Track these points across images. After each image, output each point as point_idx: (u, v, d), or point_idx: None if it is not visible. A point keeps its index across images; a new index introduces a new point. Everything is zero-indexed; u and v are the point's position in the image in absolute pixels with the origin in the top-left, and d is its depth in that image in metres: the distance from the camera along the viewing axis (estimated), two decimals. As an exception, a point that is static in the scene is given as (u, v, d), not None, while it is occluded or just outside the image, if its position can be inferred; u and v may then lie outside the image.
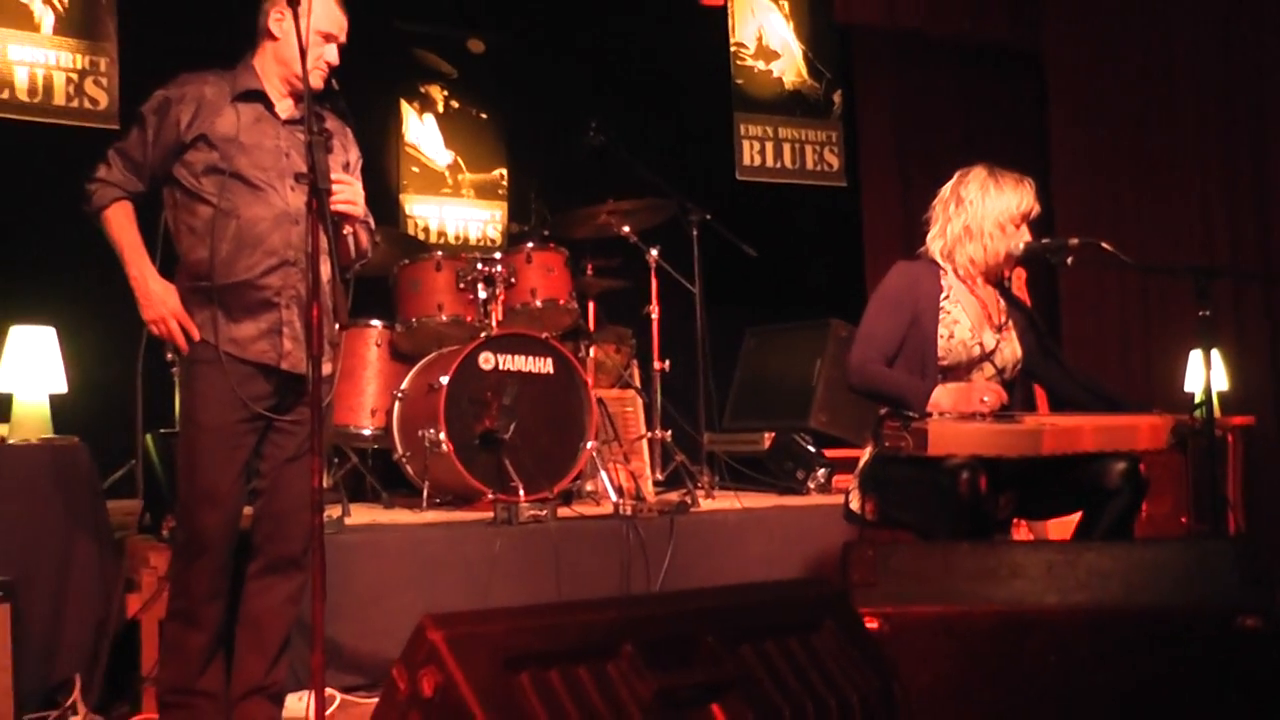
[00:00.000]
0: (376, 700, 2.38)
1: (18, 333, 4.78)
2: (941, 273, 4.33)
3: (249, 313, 3.70)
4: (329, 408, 3.91)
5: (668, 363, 6.69)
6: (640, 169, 6.50)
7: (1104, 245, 4.24)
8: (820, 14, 8.84)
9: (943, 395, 4.04)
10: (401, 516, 5.36)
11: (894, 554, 3.37)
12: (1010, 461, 3.96)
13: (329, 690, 4.10)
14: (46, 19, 6.39)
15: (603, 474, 5.72)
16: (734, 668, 2.52)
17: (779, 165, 8.73)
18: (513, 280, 5.97)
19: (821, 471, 6.44)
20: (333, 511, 4.88)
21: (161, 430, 4.68)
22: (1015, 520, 4.68)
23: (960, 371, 4.26)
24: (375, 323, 6.08)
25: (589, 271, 6.84)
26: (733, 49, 8.62)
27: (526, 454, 5.42)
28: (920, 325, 4.22)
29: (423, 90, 7.96)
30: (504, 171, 8.12)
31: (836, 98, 8.97)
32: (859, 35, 8.93)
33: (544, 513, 5.06)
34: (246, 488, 3.81)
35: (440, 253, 6.15)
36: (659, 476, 6.50)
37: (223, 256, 3.66)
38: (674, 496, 5.71)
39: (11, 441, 4.44)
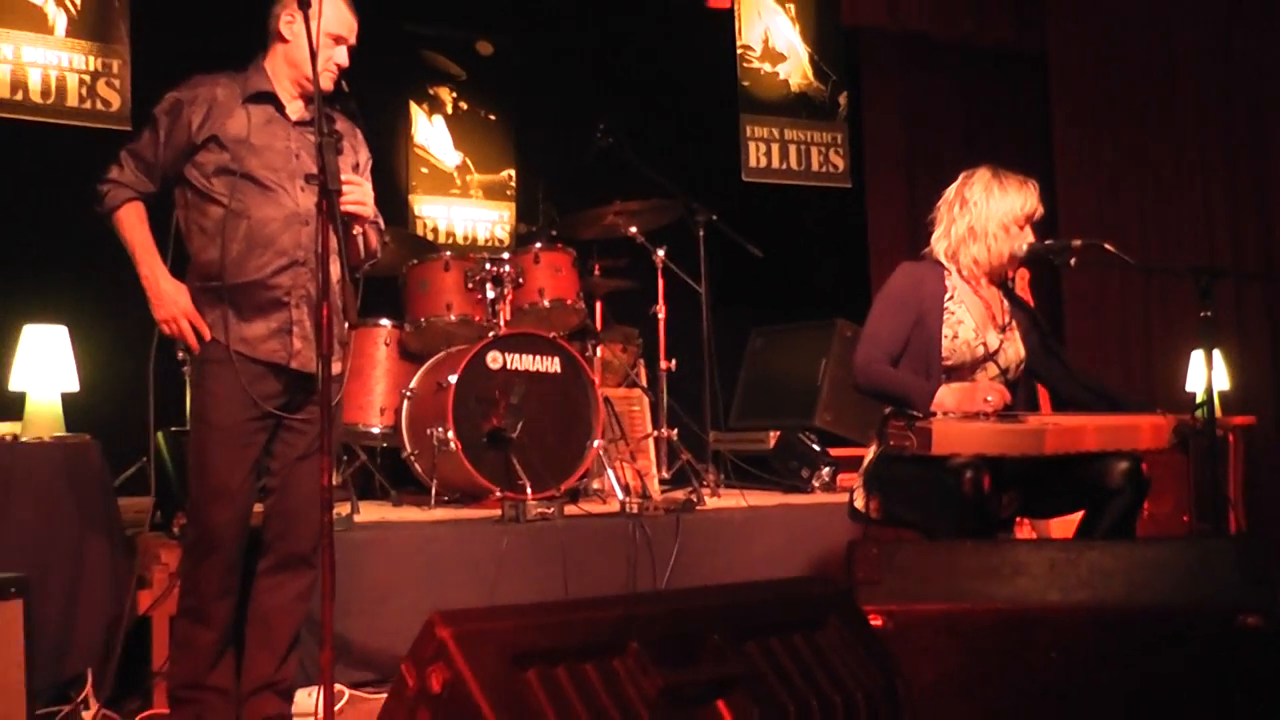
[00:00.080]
0: (385, 696, 2.38)
1: (31, 331, 4.78)
2: (946, 273, 4.32)
3: (259, 312, 3.70)
4: (338, 406, 3.92)
5: (674, 362, 6.69)
6: (647, 170, 6.50)
7: (1107, 246, 4.24)
8: (826, 16, 8.83)
9: (947, 395, 4.04)
10: (410, 514, 5.37)
11: (898, 552, 3.37)
12: (1013, 461, 3.96)
13: (338, 686, 4.10)
14: (59, 21, 6.40)
15: (609, 472, 5.72)
16: (740, 665, 2.52)
17: (785, 166, 8.73)
18: (521, 280, 5.97)
19: (826, 470, 6.43)
20: (342, 509, 4.88)
21: (173, 428, 4.68)
22: (1018, 519, 4.68)
23: (964, 371, 4.26)
24: (384, 322, 6.09)
25: (596, 271, 6.84)
26: (739, 51, 8.62)
27: (534, 452, 5.42)
28: (925, 325, 4.22)
29: (432, 92, 7.96)
30: (512, 172, 8.11)
31: (842, 100, 8.97)
32: (864, 37, 8.92)
33: (551, 511, 5.07)
34: (257, 485, 3.81)
35: (449, 253, 6.15)
36: (665, 475, 6.50)
37: (233, 256, 3.66)
38: (680, 495, 5.71)
39: (24, 439, 4.44)
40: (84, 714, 3.99)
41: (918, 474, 4.00)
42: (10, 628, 3.47)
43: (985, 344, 4.25)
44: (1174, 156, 8.20)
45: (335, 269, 3.50)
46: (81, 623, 4.20)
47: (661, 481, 6.40)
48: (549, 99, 7.90)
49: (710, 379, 6.53)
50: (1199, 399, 4.23)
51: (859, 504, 4.34)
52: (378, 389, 6.01)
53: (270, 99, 3.77)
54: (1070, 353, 6.29)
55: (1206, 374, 4.22)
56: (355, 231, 3.79)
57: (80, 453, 4.39)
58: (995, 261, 4.29)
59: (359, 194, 3.71)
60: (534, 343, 5.68)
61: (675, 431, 6.48)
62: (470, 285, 5.94)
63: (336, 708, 3.54)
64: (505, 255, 6.04)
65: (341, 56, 3.78)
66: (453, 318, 5.91)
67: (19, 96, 6.30)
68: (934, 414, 3.96)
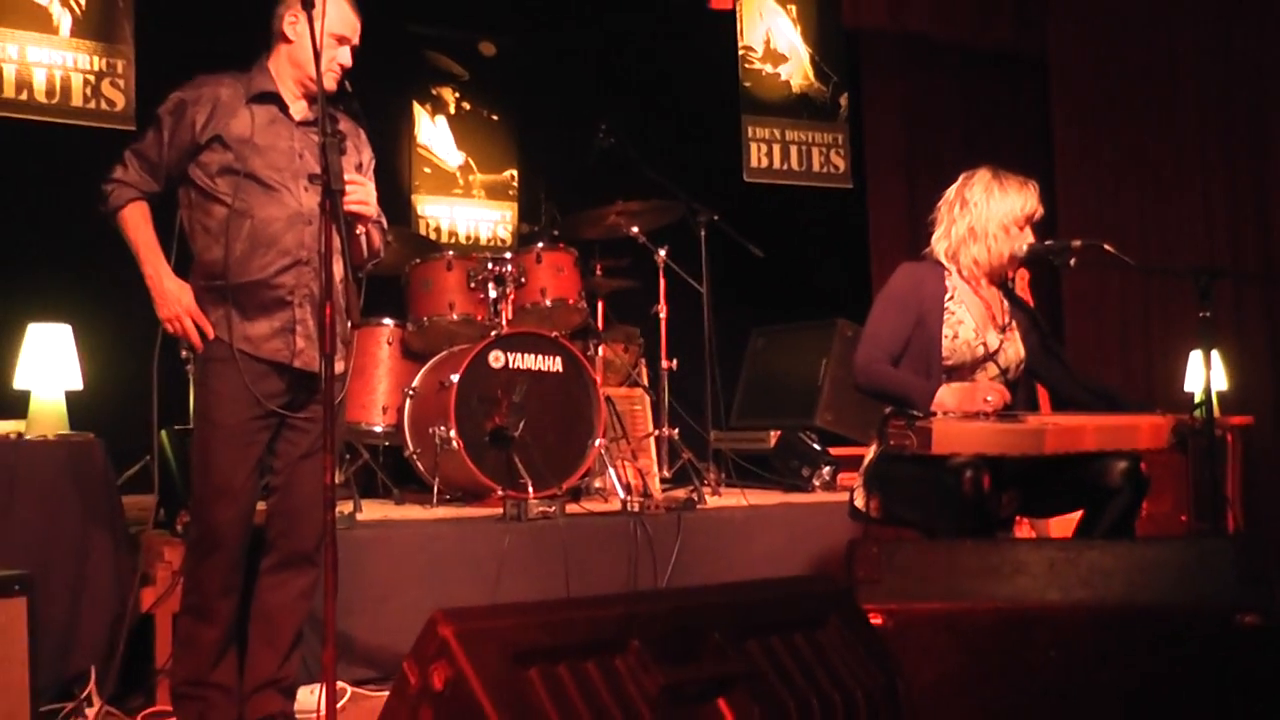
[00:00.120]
0: (387, 694, 2.38)
1: (35, 330, 4.78)
2: (946, 274, 4.32)
3: (263, 311, 3.70)
4: (341, 405, 3.92)
5: (675, 361, 6.69)
6: (649, 170, 6.50)
7: (1106, 247, 4.24)
8: (827, 18, 8.83)
9: (947, 395, 4.04)
10: (412, 513, 5.37)
11: (898, 551, 3.37)
12: (1013, 460, 3.96)
13: (340, 683, 4.10)
14: (64, 21, 6.40)
15: (611, 471, 5.72)
16: (740, 663, 2.52)
17: (786, 167, 8.72)
18: (523, 280, 5.96)
19: (827, 469, 6.43)
20: (344, 507, 4.88)
21: (176, 427, 4.68)
22: (1017, 518, 4.68)
23: (964, 371, 4.26)
24: (387, 321, 6.09)
25: (598, 271, 6.84)
26: (741, 52, 8.62)
27: (536, 451, 5.42)
28: (925, 325, 4.22)
29: (435, 92, 7.96)
30: (514, 172, 8.11)
31: (843, 101, 8.97)
32: (865, 39, 8.92)
33: (553, 509, 5.07)
34: (260, 484, 3.82)
35: (451, 252, 6.14)
36: (666, 474, 6.50)
37: (237, 256, 3.66)
38: (681, 494, 5.71)
39: (29, 438, 4.44)
40: (87, 711, 3.99)
41: (918, 473, 4.00)
42: (14, 625, 3.47)
43: (985, 344, 4.25)
44: (1173, 157, 8.21)
45: (338, 268, 3.50)
46: (85, 620, 4.21)
47: (663, 480, 6.40)
48: (551, 99, 7.90)
49: (711, 378, 6.52)
50: (1198, 399, 4.24)
51: (859, 503, 4.34)
52: (380, 388, 6.01)
53: (274, 99, 3.77)
54: (1070, 353, 6.29)
55: (1205, 374, 4.22)
56: (358, 231, 3.80)
57: (84, 451, 4.39)
58: (995, 262, 4.29)
59: (362, 194, 3.71)
60: (536, 342, 5.67)
61: (676, 431, 6.48)
62: (472, 285, 5.93)
63: (339, 705, 3.53)
64: (507, 255, 6.03)
65: (345, 57, 3.79)
66: (455, 317, 5.91)
67: (24, 96, 6.30)
68: (934, 414, 3.96)
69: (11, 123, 6.25)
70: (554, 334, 5.76)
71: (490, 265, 5.93)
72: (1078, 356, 7.41)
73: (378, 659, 4.50)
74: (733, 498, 5.94)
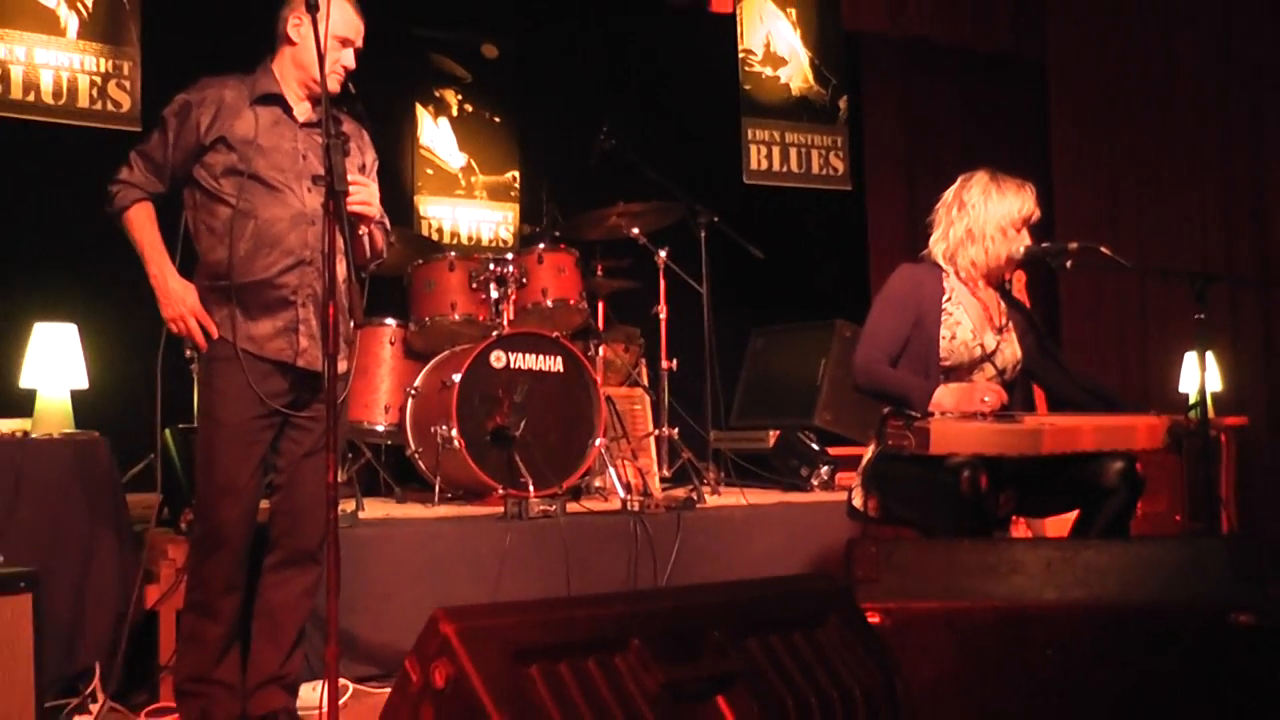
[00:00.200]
0: (389, 691, 2.38)
1: (41, 330, 4.79)
2: (944, 275, 4.32)
3: (266, 311, 3.70)
4: (344, 404, 3.91)
5: (675, 362, 6.69)
6: (649, 172, 6.50)
7: (1103, 249, 4.23)
8: (827, 21, 8.83)
9: (945, 395, 4.04)
10: (414, 511, 5.36)
11: (896, 550, 3.37)
12: (1010, 460, 3.96)
13: (342, 680, 4.10)
14: (71, 23, 6.40)
15: (611, 470, 5.72)
16: (740, 661, 2.52)
17: (785, 169, 8.72)
18: (524, 280, 5.96)
19: (825, 469, 6.42)
20: (347, 506, 4.88)
21: (180, 425, 4.69)
22: (1014, 518, 4.68)
23: (962, 372, 4.26)
24: (390, 321, 6.08)
25: (599, 272, 6.84)
26: (741, 55, 8.61)
27: (537, 450, 5.41)
28: (923, 326, 4.22)
29: (437, 94, 7.95)
30: (516, 174, 8.11)
31: (842, 104, 8.96)
32: (865, 42, 8.92)
33: (553, 508, 5.06)
34: (264, 482, 3.82)
35: (453, 253, 6.13)
36: (666, 473, 6.49)
37: (241, 256, 3.66)
38: (681, 493, 5.71)
39: (34, 436, 4.44)
40: (92, 707, 3.99)
41: (916, 473, 4.00)
42: (20, 622, 3.47)
43: (983, 345, 4.25)
44: (1171, 159, 8.21)
45: (341, 268, 3.50)
46: (90, 617, 4.21)
47: (662, 480, 6.40)
48: (553, 101, 7.90)
49: (711, 378, 6.52)
50: (1193, 400, 4.23)
51: (858, 502, 4.34)
52: (383, 387, 6.00)
53: (278, 100, 3.78)
54: (1066, 354, 6.26)
55: (1200, 375, 4.22)
56: (361, 231, 3.79)
57: (89, 449, 4.39)
58: (993, 263, 4.29)
59: (365, 194, 3.71)
60: (537, 342, 5.67)
61: (676, 430, 6.48)
62: (474, 285, 5.93)
63: (341, 702, 3.53)
64: (509, 255, 6.03)
65: (348, 59, 3.79)
66: (457, 317, 5.90)
67: (31, 97, 6.30)
68: (932, 414, 3.96)
69: (19, 123, 6.24)
70: (555, 334, 5.76)
71: (492, 266, 5.93)
72: (1074, 358, 7.38)
73: (380, 656, 4.50)
74: (732, 497, 5.94)
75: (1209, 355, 4.36)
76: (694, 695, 2.44)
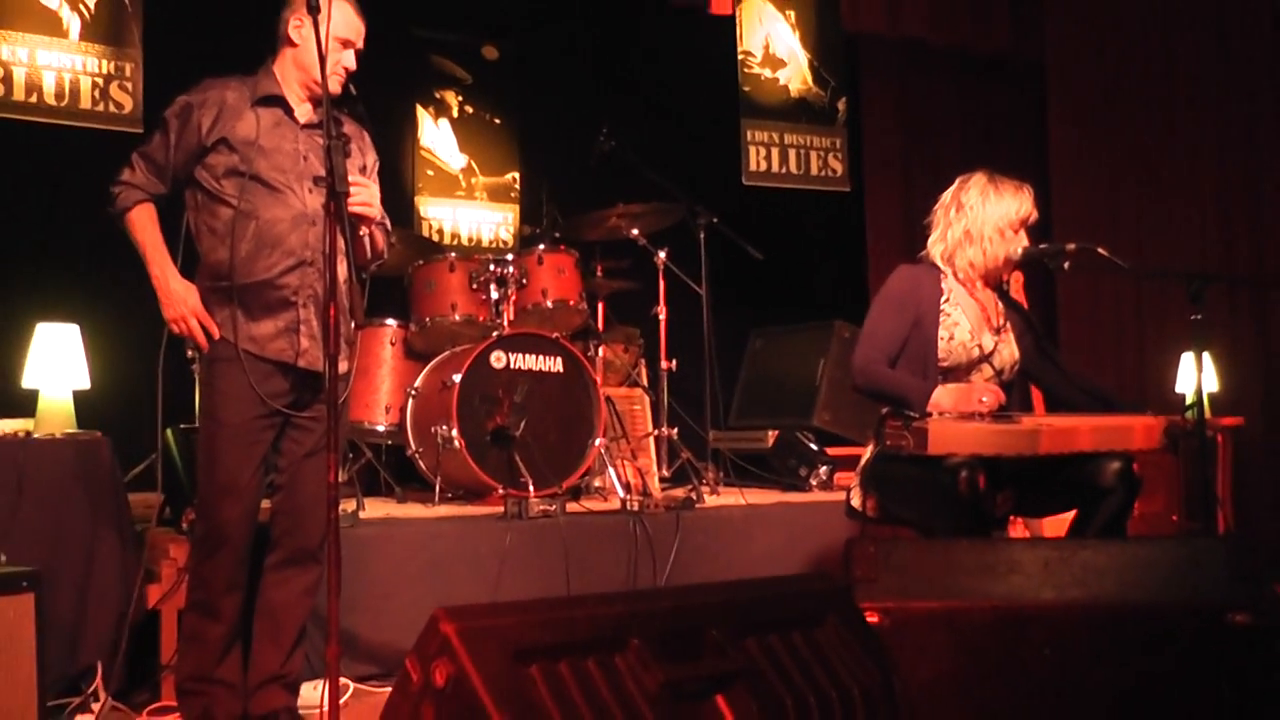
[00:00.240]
0: (389, 690, 2.38)
1: (43, 330, 4.79)
2: (942, 276, 4.32)
3: (267, 311, 3.70)
4: (344, 404, 3.91)
5: (675, 362, 6.69)
6: (649, 173, 6.50)
7: (1100, 251, 4.23)
8: (826, 23, 8.83)
9: (943, 395, 4.04)
10: (414, 511, 5.36)
11: (895, 550, 3.37)
12: (1008, 460, 3.96)
13: (343, 680, 4.10)
14: (74, 25, 6.39)
15: (611, 470, 5.72)
16: (739, 660, 2.51)
17: (784, 170, 8.72)
18: (524, 281, 5.96)
19: (824, 469, 6.42)
20: (347, 506, 4.88)
21: (181, 425, 4.69)
22: (1012, 518, 4.67)
23: (960, 372, 4.26)
24: (390, 321, 6.08)
25: (599, 273, 6.84)
26: (740, 57, 8.61)
27: (536, 450, 5.41)
28: (921, 327, 4.22)
29: (438, 95, 7.95)
30: (516, 175, 8.11)
31: (841, 105, 8.96)
32: (864, 44, 8.92)
33: (553, 508, 5.06)
34: (265, 482, 3.82)
35: (454, 254, 6.13)
36: (665, 473, 6.50)
37: (242, 256, 3.66)
38: (680, 493, 5.70)
39: (37, 436, 4.44)
40: (94, 705, 3.99)
41: (914, 473, 4.00)
42: (22, 621, 3.47)
43: (981, 345, 4.25)
44: (1168, 161, 8.20)
45: (342, 269, 3.50)
46: (92, 616, 4.21)
47: (662, 479, 6.40)
48: (553, 103, 7.90)
49: (710, 379, 6.52)
50: (1189, 400, 4.23)
51: (856, 502, 4.34)
52: (383, 387, 6.00)
53: (279, 102, 3.78)
54: (1064, 355, 6.27)
55: (1197, 376, 4.22)
56: (362, 232, 3.79)
57: (91, 449, 4.39)
58: (991, 265, 4.29)
59: (366, 195, 3.71)
60: (537, 343, 5.67)
61: (675, 430, 6.48)
62: (475, 286, 5.93)
63: (341, 701, 3.53)
64: (509, 256, 6.03)
65: (349, 60, 3.79)
66: (457, 318, 5.91)
67: (33, 99, 6.30)
68: (930, 414, 3.96)
69: (21, 125, 6.24)
70: (555, 335, 5.76)
71: (492, 266, 5.93)
72: (1071, 358, 7.39)
73: (380, 655, 4.50)
74: (731, 497, 5.94)
75: (1205, 356, 4.36)
76: (693, 695, 2.44)
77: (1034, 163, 8.48)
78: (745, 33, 8.63)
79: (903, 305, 4.25)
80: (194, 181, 3.74)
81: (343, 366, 3.66)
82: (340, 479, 3.21)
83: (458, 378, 5.39)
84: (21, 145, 6.21)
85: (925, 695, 3.08)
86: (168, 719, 3.99)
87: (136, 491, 4.70)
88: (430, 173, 7.88)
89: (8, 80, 6.21)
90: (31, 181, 6.23)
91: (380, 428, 5.94)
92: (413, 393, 5.73)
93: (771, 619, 2.69)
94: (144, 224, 3.74)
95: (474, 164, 8.00)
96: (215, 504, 3.69)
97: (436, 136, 7.92)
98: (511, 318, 5.89)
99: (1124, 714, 3.17)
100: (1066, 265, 4.28)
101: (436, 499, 5.47)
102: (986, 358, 4.27)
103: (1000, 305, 4.39)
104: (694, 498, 5.54)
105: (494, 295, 5.90)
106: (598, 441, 5.67)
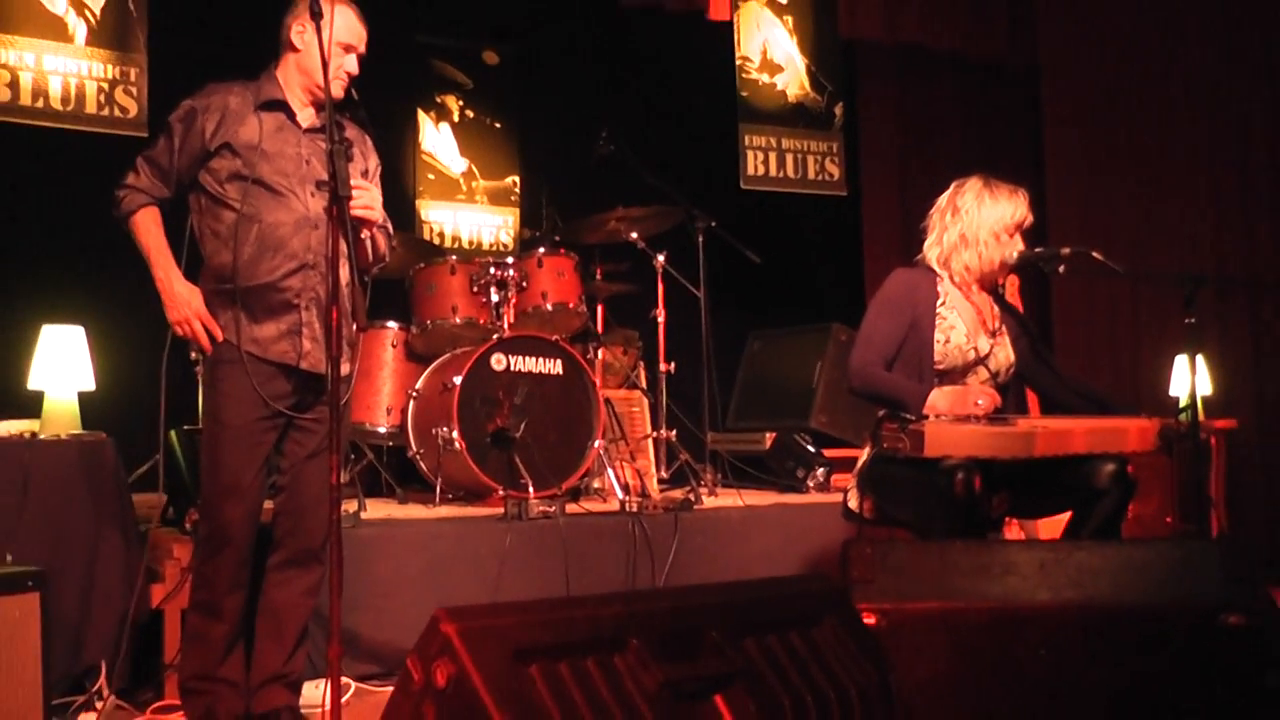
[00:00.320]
0: (391, 689, 2.37)
1: (49, 332, 4.78)
2: (938, 279, 4.32)
3: (270, 314, 3.70)
4: (347, 406, 3.91)
5: (673, 364, 6.69)
6: (648, 177, 6.50)
7: (1094, 254, 4.24)
8: (823, 29, 8.81)
9: (939, 398, 4.04)
10: (415, 512, 5.36)
11: (892, 552, 3.37)
12: (1004, 462, 3.95)
13: (344, 679, 4.10)
14: (80, 30, 6.39)
15: (610, 472, 5.71)
16: (737, 661, 2.51)
17: (782, 175, 8.70)
18: (524, 284, 5.96)
19: (821, 471, 6.42)
20: (349, 507, 4.88)
21: (185, 427, 4.68)
22: (1007, 519, 4.67)
23: (956, 375, 4.25)
24: (392, 324, 6.08)
25: (598, 276, 6.84)
26: (738, 62, 8.60)
27: (536, 452, 5.41)
28: (918, 330, 4.22)
29: (439, 100, 7.95)
30: (516, 179, 8.11)
31: (838, 110, 8.95)
32: (861, 49, 8.91)
33: (553, 509, 5.06)
34: (267, 483, 3.81)
35: (455, 257, 6.13)
36: (664, 474, 6.49)
37: (245, 259, 3.66)
38: (678, 494, 5.70)
39: (42, 437, 4.44)
40: (98, 704, 3.99)
41: (911, 475, 4.00)
42: (28, 620, 3.47)
43: (976, 348, 4.25)
44: (1163, 164, 8.20)
45: (344, 272, 3.49)
46: (96, 615, 4.21)
47: (660, 481, 6.40)
48: (553, 108, 7.91)
49: (708, 381, 6.51)
50: (1183, 403, 4.23)
51: (853, 504, 4.34)
52: (385, 389, 6.00)
53: (282, 106, 3.78)
54: (1058, 357, 6.29)
55: (1190, 379, 4.22)
56: (364, 236, 3.79)
57: (96, 450, 4.39)
58: (986, 268, 4.29)
59: (367, 199, 3.71)
60: (537, 345, 5.67)
61: (674, 432, 6.48)
62: (475, 289, 5.93)
63: (343, 700, 3.53)
64: (509, 259, 6.04)
65: (351, 65, 3.79)
66: (458, 320, 5.91)
67: (40, 103, 6.29)
68: (926, 417, 3.96)
69: (28, 129, 6.23)
70: (555, 337, 5.76)
71: (492, 270, 5.93)
72: (1066, 361, 7.39)
73: (381, 655, 4.49)
74: (729, 498, 5.93)
75: (1199, 359, 4.36)
76: (692, 694, 2.43)
77: (1030, 166, 8.48)
78: (743, 38, 8.62)
79: (899, 308, 4.25)
80: (198, 185, 3.74)
81: (345, 369, 3.66)
82: (342, 480, 3.21)
83: (458, 380, 5.38)
84: (28, 149, 6.20)
85: (922, 695, 3.07)
86: (171, 717, 3.99)
87: (140, 492, 4.69)
88: (431, 176, 7.88)
89: (14, 85, 6.20)
90: (37, 185, 6.22)
91: (381, 429, 5.94)
92: (414, 395, 5.73)
93: (769, 620, 2.68)
94: (148, 227, 3.74)
95: (475, 168, 8.00)
96: (218, 504, 3.69)
97: (437, 140, 7.92)
98: (512, 320, 5.88)
99: (1119, 714, 3.17)
100: (1061, 269, 4.28)
101: (437, 500, 5.46)
102: (982, 360, 4.27)
103: (996, 308, 4.39)
104: (692, 499, 5.54)
105: (494, 298, 5.90)
106: (597, 443, 5.67)
